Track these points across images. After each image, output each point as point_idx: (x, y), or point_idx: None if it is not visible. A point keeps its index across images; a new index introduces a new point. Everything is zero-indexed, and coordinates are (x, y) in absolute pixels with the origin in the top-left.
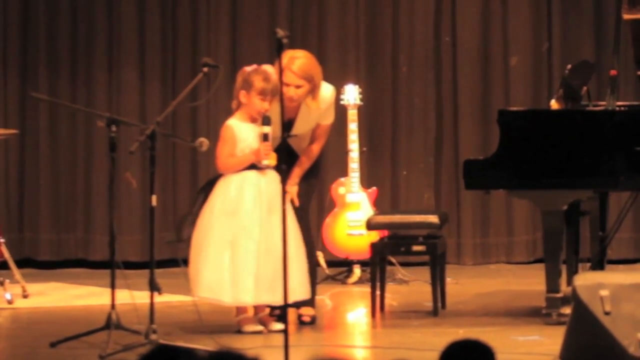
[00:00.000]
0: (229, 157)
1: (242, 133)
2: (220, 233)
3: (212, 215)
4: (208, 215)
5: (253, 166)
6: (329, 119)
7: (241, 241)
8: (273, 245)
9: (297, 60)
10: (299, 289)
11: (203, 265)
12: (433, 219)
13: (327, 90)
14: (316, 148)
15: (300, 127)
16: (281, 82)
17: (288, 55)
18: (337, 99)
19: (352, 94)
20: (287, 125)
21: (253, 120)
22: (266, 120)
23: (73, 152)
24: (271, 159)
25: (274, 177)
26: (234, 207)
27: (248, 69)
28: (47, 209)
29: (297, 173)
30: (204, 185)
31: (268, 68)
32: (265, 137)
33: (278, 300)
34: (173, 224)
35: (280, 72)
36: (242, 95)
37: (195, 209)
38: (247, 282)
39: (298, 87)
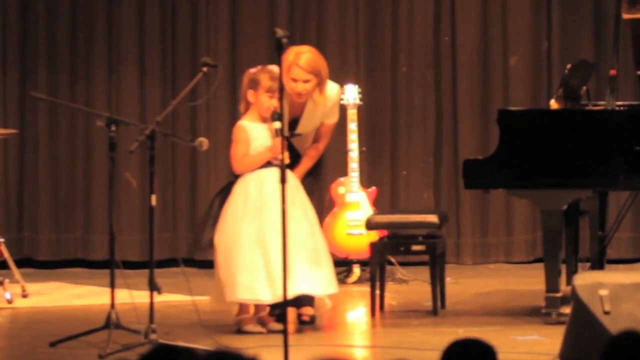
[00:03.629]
0: (244, 157)
1: (255, 132)
2: (248, 233)
3: (236, 217)
4: (232, 217)
5: (267, 164)
6: (333, 118)
7: (270, 238)
8: (301, 238)
9: (304, 55)
10: (334, 281)
11: (237, 268)
12: (432, 218)
13: (333, 87)
14: (322, 146)
15: (306, 125)
16: (281, 82)
17: (293, 51)
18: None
19: (351, 94)
20: (292, 124)
21: (263, 119)
22: (277, 116)
23: (72, 152)
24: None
25: (288, 173)
26: (257, 206)
27: (253, 70)
28: (47, 208)
29: (303, 167)
30: (219, 191)
31: (274, 67)
32: (278, 133)
33: (316, 290)
34: (192, 233)
35: (280, 71)
36: (250, 95)
37: (212, 215)
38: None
39: (306, 81)
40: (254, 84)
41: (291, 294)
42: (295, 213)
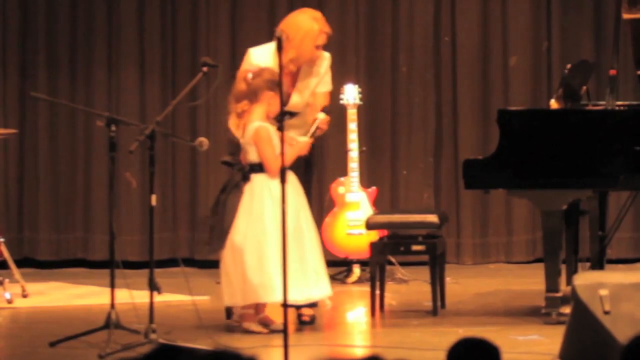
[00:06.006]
0: (278, 158)
1: (272, 133)
2: (277, 234)
3: (264, 216)
4: (259, 216)
5: None
6: (325, 86)
7: (295, 240)
8: (309, 241)
9: (322, 19)
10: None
11: (273, 270)
12: (432, 218)
13: (325, 54)
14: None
15: (300, 93)
16: (280, 76)
17: (311, 15)
18: (337, 98)
19: (351, 94)
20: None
21: (269, 120)
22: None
23: (73, 152)
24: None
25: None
26: (279, 206)
27: (256, 71)
28: (47, 208)
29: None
30: (223, 189)
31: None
32: (313, 133)
33: (321, 295)
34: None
35: (281, 67)
36: (270, 96)
37: (227, 216)
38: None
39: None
40: (275, 85)
41: (304, 298)
42: (305, 214)
